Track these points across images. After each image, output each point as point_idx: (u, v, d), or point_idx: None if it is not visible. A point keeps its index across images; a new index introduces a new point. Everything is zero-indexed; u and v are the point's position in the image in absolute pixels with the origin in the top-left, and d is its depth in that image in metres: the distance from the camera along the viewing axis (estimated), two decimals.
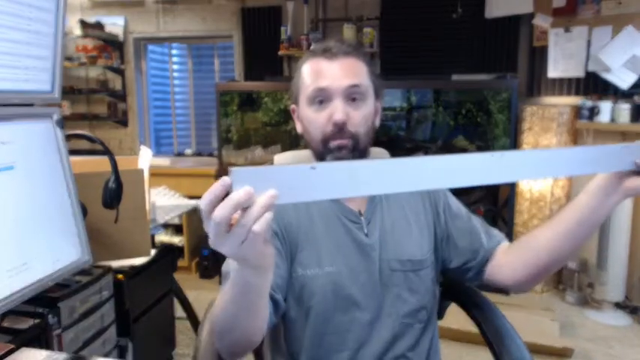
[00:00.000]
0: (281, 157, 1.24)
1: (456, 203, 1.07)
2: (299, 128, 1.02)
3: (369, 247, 0.96)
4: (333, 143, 0.91)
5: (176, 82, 4.37)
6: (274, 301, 0.86)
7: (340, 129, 0.90)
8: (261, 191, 0.52)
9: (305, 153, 1.29)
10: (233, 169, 0.52)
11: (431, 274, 1.01)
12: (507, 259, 0.97)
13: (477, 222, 1.04)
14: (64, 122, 1.19)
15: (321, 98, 0.92)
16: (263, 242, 0.55)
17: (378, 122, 1.00)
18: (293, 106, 1.03)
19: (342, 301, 0.94)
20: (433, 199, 1.05)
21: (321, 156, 0.95)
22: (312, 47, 1.00)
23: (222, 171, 3.22)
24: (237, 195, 0.50)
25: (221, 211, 0.51)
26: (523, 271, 0.93)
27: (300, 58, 1.01)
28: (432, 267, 1.01)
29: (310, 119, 0.94)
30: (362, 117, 0.92)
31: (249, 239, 0.53)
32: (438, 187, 0.66)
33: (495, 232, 1.04)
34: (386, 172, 0.58)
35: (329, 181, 0.55)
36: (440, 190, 1.06)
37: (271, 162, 1.24)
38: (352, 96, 0.92)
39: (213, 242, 0.53)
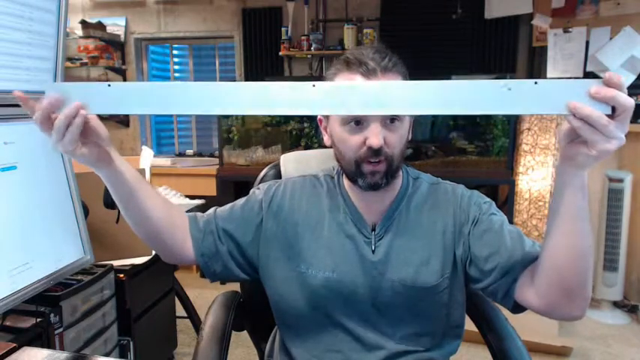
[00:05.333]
0: (287, 157, 1.25)
1: (488, 217, 0.92)
2: (327, 141, 0.97)
3: (372, 264, 0.92)
4: (367, 168, 0.87)
5: (177, 82, 4.38)
6: (211, 231, 0.96)
7: (376, 152, 0.85)
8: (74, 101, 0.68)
9: (310, 153, 1.30)
10: (48, 85, 0.71)
11: (443, 299, 0.94)
12: (534, 279, 0.82)
13: (512, 236, 0.88)
14: None
15: (358, 120, 0.86)
16: (81, 144, 0.73)
17: (410, 135, 0.94)
18: (321, 117, 0.98)
19: (337, 308, 0.94)
20: (460, 217, 0.94)
21: (351, 175, 0.91)
22: (346, 55, 0.90)
23: (224, 171, 3.23)
24: (68, 109, 0.69)
25: (58, 122, 0.69)
26: (548, 291, 0.79)
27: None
28: (446, 292, 0.93)
29: (343, 139, 0.89)
30: (398, 138, 0.88)
31: (67, 139, 0.70)
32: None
33: (529, 245, 0.86)
34: (175, 95, 0.69)
35: (123, 98, 0.67)
36: (474, 203, 0.95)
37: (274, 162, 1.25)
38: (392, 118, 0.86)
39: (54, 146, 0.72)
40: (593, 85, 0.61)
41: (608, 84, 0.61)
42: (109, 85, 0.67)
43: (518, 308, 0.87)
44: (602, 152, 0.62)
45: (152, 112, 0.68)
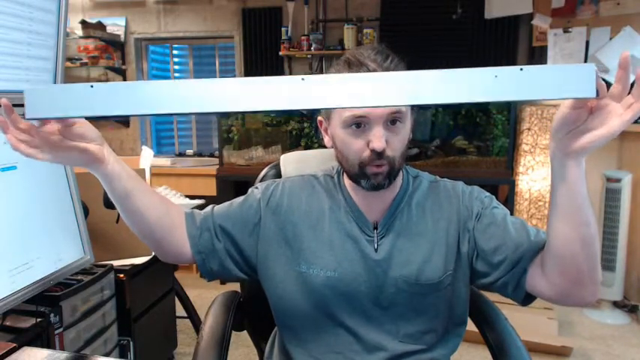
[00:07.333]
0: (287, 157, 1.25)
1: (490, 211, 0.93)
2: (327, 142, 0.96)
3: (375, 262, 0.92)
4: (370, 170, 0.87)
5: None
6: (208, 228, 0.96)
7: (379, 155, 0.86)
8: (55, 106, 0.65)
9: (310, 153, 1.29)
10: (27, 90, 0.65)
11: (445, 296, 0.94)
12: (544, 269, 0.83)
13: (515, 227, 0.89)
14: None
15: (360, 123, 0.86)
16: (52, 149, 0.73)
17: (411, 135, 0.93)
18: (321, 119, 0.97)
19: (339, 307, 0.93)
20: (463, 213, 0.94)
21: (354, 177, 0.91)
22: (347, 56, 0.90)
23: (223, 171, 3.23)
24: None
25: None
26: (560, 279, 0.80)
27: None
28: (449, 288, 0.93)
29: (346, 142, 0.89)
30: (400, 140, 0.88)
31: (41, 153, 0.73)
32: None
33: (534, 234, 0.88)
34: (161, 94, 0.63)
35: (108, 99, 0.63)
36: (475, 198, 0.96)
37: (274, 163, 1.24)
38: (393, 119, 0.86)
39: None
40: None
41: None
42: (92, 87, 0.64)
43: (528, 299, 0.88)
44: (626, 123, 0.65)
45: (143, 112, 0.63)
